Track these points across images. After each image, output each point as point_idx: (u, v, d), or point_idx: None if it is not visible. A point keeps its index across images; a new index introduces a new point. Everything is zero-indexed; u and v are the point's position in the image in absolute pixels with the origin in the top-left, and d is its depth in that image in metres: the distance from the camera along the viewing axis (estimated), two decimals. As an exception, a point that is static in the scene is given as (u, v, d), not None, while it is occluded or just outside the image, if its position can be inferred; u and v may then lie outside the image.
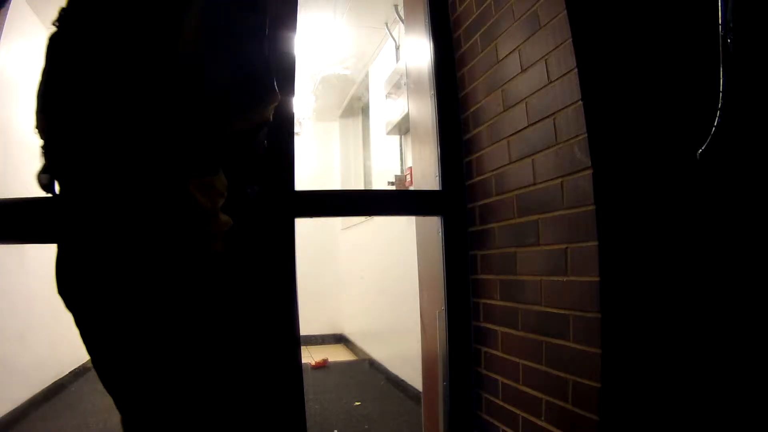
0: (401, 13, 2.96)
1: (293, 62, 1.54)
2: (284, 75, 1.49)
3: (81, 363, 3.44)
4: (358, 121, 4.78)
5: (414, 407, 2.52)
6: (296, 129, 1.59)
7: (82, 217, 0.88)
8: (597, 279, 1.07)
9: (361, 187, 4.43)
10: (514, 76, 1.39)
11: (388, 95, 3.49)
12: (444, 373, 1.63)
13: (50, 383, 2.94)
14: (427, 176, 1.77)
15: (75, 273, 0.91)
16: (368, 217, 3.59)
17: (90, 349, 0.95)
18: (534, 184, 1.31)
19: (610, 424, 1.05)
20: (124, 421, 0.95)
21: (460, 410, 1.61)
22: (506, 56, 1.43)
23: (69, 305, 0.94)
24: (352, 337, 4.46)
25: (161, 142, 0.87)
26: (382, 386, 3.13)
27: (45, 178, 0.97)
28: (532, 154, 1.31)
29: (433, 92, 1.74)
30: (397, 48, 3.43)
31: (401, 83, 3.21)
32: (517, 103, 1.38)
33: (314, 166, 4.75)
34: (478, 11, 1.58)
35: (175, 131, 0.87)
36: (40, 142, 0.95)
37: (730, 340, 1.13)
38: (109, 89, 0.87)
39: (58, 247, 0.94)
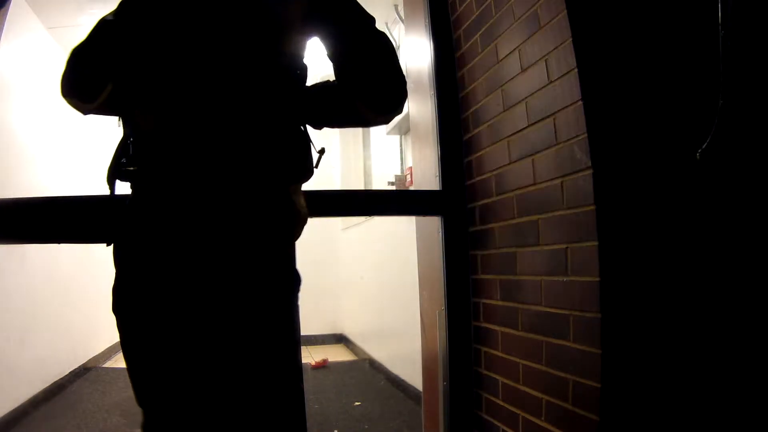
0: (401, 13, 2.96)
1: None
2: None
3: (81, 363, 3.44)
4: (358, 120, 4.77)
5: (414, 407, 2.51)
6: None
7: (175, 217, 0.89)
8: (597, 279, 1.07)
9: (361, 187, 4.43)
10: (514, 76, 1.39)
11: (389, 95, 3.49)
12: (444, 373, 1.63)
13: (50, 383, 2.94)
14: (427, 176, 1.77)
15: (153, 274, 0.89)
16: (368, 217, 3.59)
17: (146, 351, 0.91)
18: (534, 184, 1.31)
19: (610, 424, 1.05)
20: (150, 420, 0.94)
21: (460, 410, 1.61)
22: (506, 56, 1.43)
23: (136, 304, 0.90)
24: (352, 337, 4.46)
25: (268, 148, 0.92)
26: (382, 386, 3.13)
27: (120, 173, 0.96)
28: (532, 154, 1.31)
29: (433, 92, 1.74)
30: (398, 48, 3.43)
31: (401, 83, 3.20)
32: (517, 103, 1.38)
33: (314, 166, 4.73)
34: (478, 11, 1.58)
35: (284, 138, 0.94)
36: (131, 137, 0.94)
37: (730, 340, 1.12)
38: (216, 91, 0.89)
39: (124, 248, 0.92)
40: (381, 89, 0.94)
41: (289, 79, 0.96)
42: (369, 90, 0.94)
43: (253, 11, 0.92)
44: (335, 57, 0.97)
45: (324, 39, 0.98)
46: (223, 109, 0.88)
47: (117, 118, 1.01)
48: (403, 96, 0.96)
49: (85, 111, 1.01)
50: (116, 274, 0.93)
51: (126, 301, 0.91)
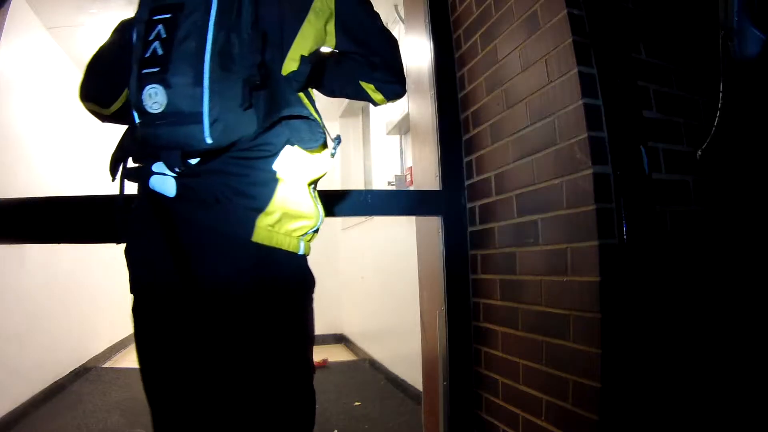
0: (401, 13, 2.96)
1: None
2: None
3: (81, 363, 3.44)
4: (359, 121, 4.77)
5: (414, 407, 2.51)
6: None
7: (183, 217, 0.89)
8: (597, 279, 1.07)
9: (361, 187, 4.43)
10: (515, 76, 1.39)
11: (389, 95, 3.48)
12: (444, 373, 1.63)
13: (50, 383, 2.94)
14: (427, 176, 1.77)
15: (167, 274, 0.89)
16: (368, 217, 3.59)
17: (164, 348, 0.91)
18: (534, 184, 1.31)
19: (610, 424, 1.05)
20: (159, 418, 0.94)
21: (460, 410, 1.61)
22: (506, 56, 1.43)
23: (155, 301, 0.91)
24: (352, 337, 4.45)
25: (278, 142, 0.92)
26: (382, 386, 3.13)
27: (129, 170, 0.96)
28: (532, 154, 1.31)
29: (433, 92, 1.74)
30: (397, 48, 3.42)
31: (401, 83, 3.20)
32: (517, 103, 1.38)
33: (314, 166, 4.72)
34: (478, 11, 1.58)
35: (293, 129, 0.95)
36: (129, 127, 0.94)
37: (729, 340, 1.13)
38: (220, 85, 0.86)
39: (135, 248, 0.93)
40: (398, 87, 1.10)
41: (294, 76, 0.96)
42: (392, 90, 1.09)
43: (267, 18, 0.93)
44: (355, 56, 1.05)
45: (342, 45, 1.03)
46: (226, 100, 0.87)
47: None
48: (405, 85, 1.12)
49: (103, 117, 1.02)
50: (129, 275, 0.93)
51: (137, 305, 0.92)
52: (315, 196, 0.98)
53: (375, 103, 1.13)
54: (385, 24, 1.09)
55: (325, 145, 0.99)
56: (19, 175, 2.75)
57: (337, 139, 1.01)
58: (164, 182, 0.89)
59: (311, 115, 0.94)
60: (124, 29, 0.97)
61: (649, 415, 1.08)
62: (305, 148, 0.94)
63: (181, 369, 0.90)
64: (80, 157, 3.63)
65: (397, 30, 3.40)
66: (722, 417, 1.11)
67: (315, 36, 0.96)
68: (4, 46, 2.45)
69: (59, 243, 1.42)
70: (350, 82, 1.10)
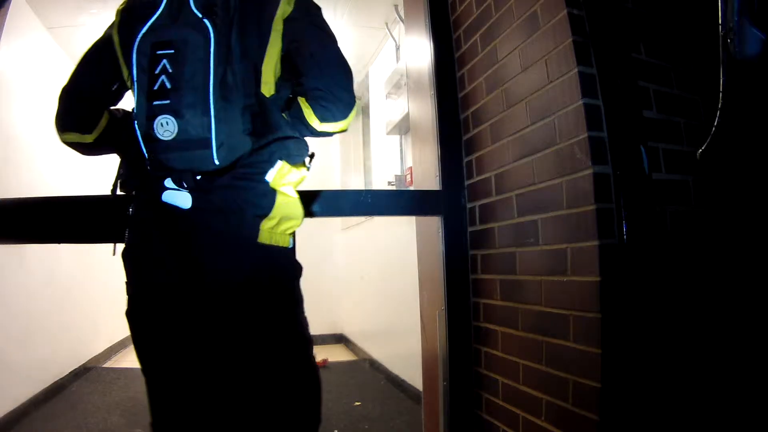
0: (401, 13, 2.96)
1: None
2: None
3: (81, 363, 3.44)
4: (358, 120, 4.77)
5: (414, 407, 2.51)
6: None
7: (176, 222, 0.97)
8: (597, 279, 1.07)
9: (361, 187, 4.43)
10: (515, 76, 1.39)
11: (389, 95, 3.49)
12: (444, 373, 1.63)
13: (50, 383, 2.94)
14: (427, 176, 1.77)
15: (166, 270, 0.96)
16: (368, 217, 3.59)
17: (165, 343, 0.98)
18: (534, 184, 1.31)
19: (610, 424, 1.05)
20: (158, 416, 1.00)
21: (460, 410, 1.61)
22: (506, 56, 1.43)
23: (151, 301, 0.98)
24: (352, 337, 4.45)
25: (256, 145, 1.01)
26: (382, 386, 3.13)
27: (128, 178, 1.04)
28: (532, 154, 1.31)
29: (433, 92, 1.74)
30: (397, 48, 3.43)
31: (401, 83, 3.21)
32: (517, 103, 1.38)
33: (314, 166, 4.71)
34: (478, 11, 1.58)
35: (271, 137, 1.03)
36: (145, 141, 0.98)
37: (730, 340, 1.13)
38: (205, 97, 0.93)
39: (132, 253, 0.99)
40: (335, 107, 1.05)
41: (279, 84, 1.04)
42: (324, 106, 1.04)
43: (247, 25, 0.98)
44: (299, 71, 1.05)
45: (294, 53, 1.05)
46: (213, 112, 0.93)
47: None
48: (349, 113, 1.07)
49: (85, 147, 1.08)
50: (127, 280, 0.97)
51: (138, 306, 0.98)
52: (298, 198, 1.09)
53: (309, 128, 1.07)
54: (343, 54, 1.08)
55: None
56: (20, 175, 2.75)
57: (312, 155, 1.12)
58: (178, 196, 0.98)
59: (300, 135, 1.07)
60: (97, 54, 1.05)
61: (649, 415, 1.08)
62: (292, 164, 1.05)
63: (185, 366, 0.96)
64: (80, 157, 3.63)
65: (397, 30, 3.41)
66: (722, 417, 1.11)
67: (277, 55, 1.03)
68: (4, 46, 2.45)
69: (59, 243, 1.42)
70: (293, 100, 1.07)
